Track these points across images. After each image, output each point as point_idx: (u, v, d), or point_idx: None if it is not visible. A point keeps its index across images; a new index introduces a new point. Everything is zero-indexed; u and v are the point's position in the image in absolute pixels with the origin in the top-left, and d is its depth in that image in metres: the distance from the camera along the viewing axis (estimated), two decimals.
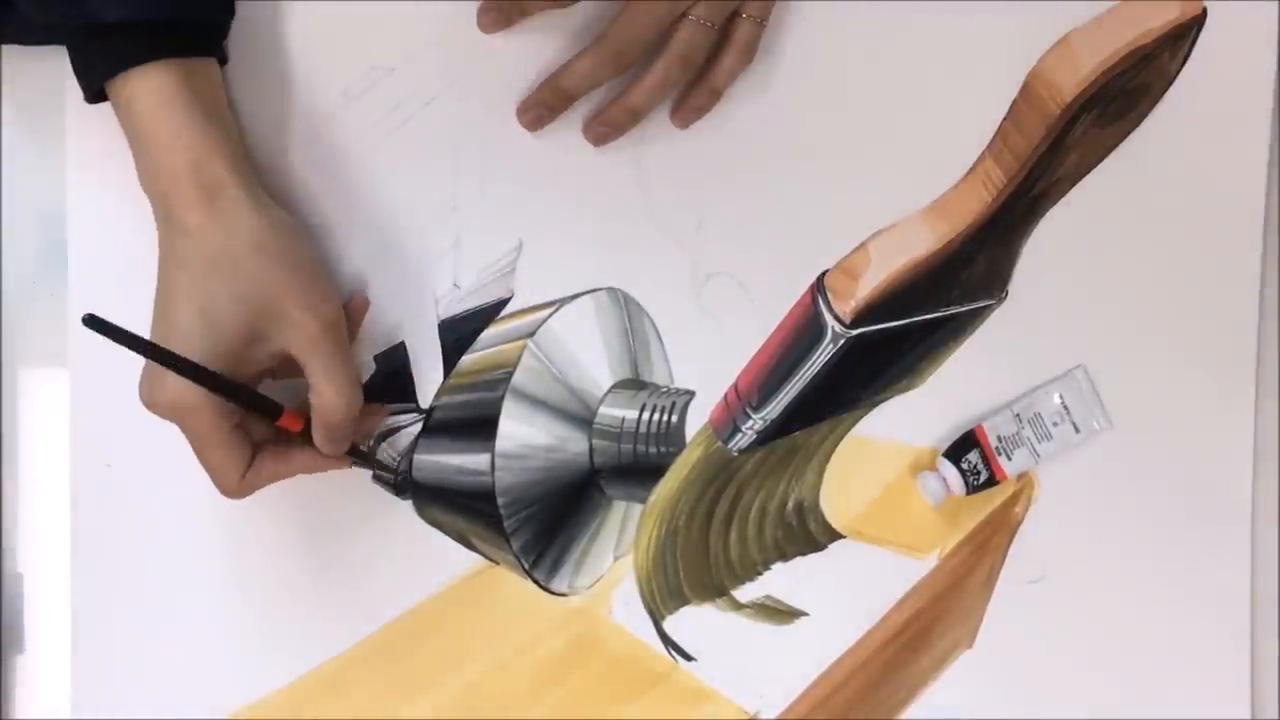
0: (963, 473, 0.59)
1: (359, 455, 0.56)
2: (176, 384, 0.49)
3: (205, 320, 0.48)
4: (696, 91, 0.56)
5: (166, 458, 0.58)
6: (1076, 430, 0.60)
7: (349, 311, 0.54)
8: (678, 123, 0.57)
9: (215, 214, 0.49)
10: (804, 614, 0.61)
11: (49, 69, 0.55)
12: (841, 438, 0.60)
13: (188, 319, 0.48)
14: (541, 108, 0.56)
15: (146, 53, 0.48)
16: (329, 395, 0.50)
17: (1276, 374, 0.62)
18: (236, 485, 0.51)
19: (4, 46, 0.56)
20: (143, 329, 0.57)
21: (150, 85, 0.48)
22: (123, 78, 0.48)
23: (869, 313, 0.56)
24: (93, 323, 0.46)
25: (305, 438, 0.52)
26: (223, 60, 0.53)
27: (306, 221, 0.57)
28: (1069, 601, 0.61)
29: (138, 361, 0.57)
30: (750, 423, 0.58)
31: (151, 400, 0.50)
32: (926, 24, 0.58)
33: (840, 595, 0.61)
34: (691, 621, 0.61)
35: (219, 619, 0.58)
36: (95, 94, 0.50)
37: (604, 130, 0.57)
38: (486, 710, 0.60)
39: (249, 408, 0.50)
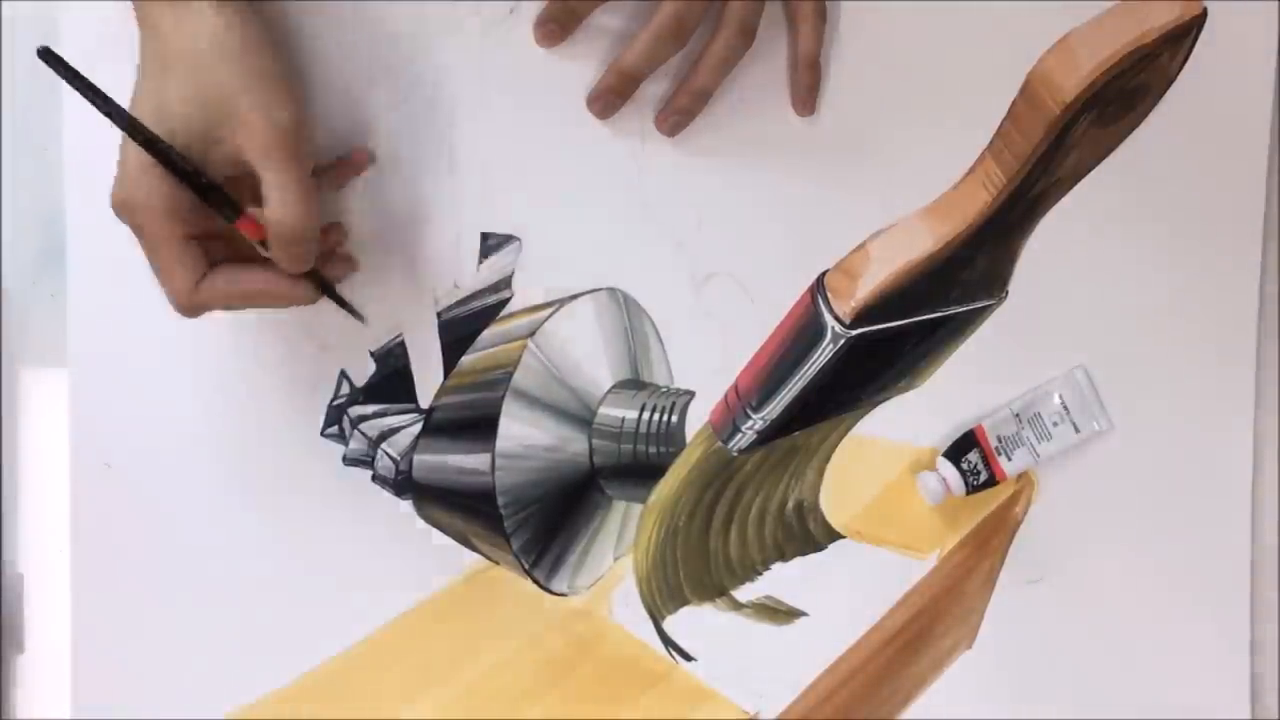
0: (962, 473, 0.59)
1: (327, 290, 0.54)
2: (131, 177, 0.49)
3: (159, 118, 0.48)
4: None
5: (166, 458, 0.58)
6: (1076, 430, 0.60)
7: (350, 161, 0.55)
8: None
9: (182, 15, 0.48)
10: (804, 614, 0.61)
11: (49, 68, 0.55)
12: (841, 438, 0.60)
13: (146, 119, 0.48)
14: (610, 94, 0.56)
15: None
16: (275, 203, 0.49)
17: (1276, 374, 0.62)
18: (188, 296, 0.50)
19: (4, 47, 0.56)
20: (144, 331, 0.57)
21: None
22: None
23: (869, 313, 0.56)
24: (46, 56, 0.46)
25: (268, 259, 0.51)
26: None
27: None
28: (1069, 601, 0.61)
29: (138, 362, 0.58)
30: (750, 423, 0.58)
31: (112, 198, 0.49)
32: (927, 24, 0.58)
33: (840, 595, 0.61)
34: (691, 621, 0.61)
35: (219, 619, 0.58)
36: None
37: (677, 119, 0.56)
38: (486, 710, 0.60)
39: (203, 196, 0.49)
